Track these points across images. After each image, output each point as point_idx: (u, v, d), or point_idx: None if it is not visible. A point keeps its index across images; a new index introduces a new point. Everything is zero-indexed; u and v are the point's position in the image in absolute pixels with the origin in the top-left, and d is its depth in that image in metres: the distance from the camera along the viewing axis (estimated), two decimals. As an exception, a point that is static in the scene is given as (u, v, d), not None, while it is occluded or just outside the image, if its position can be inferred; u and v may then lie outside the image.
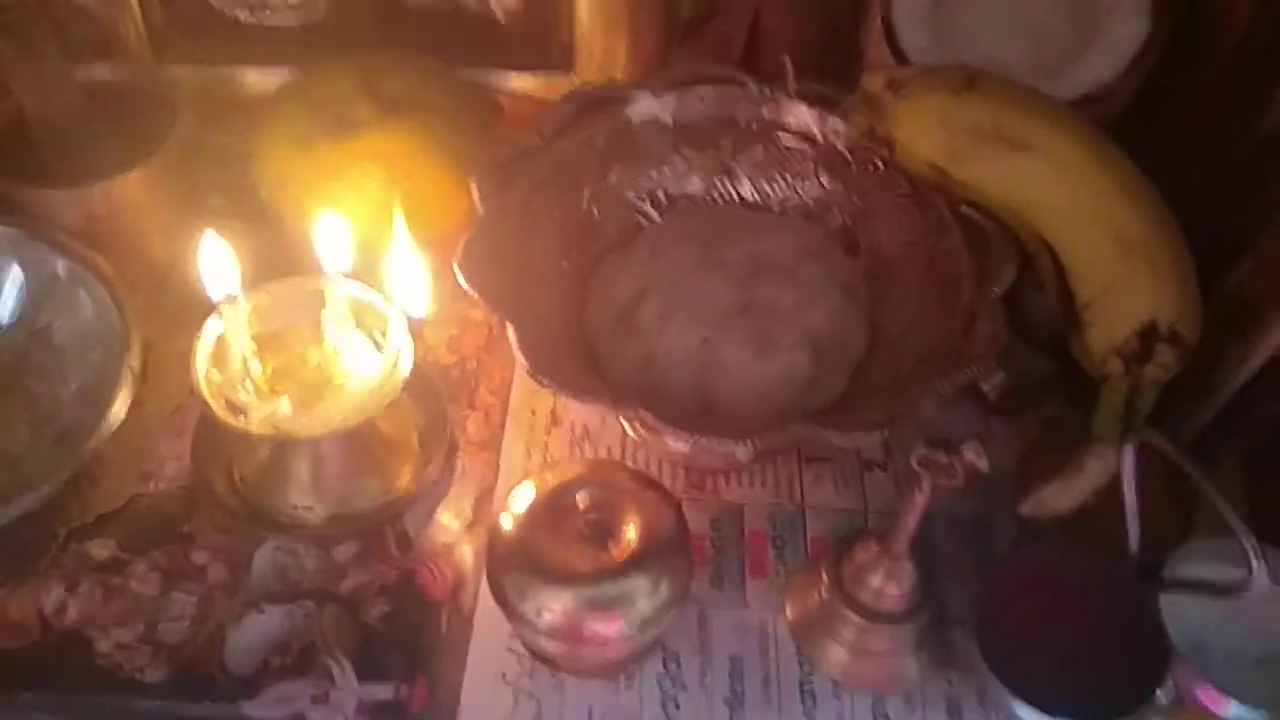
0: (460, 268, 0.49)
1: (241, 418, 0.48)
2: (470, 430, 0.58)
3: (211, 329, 0.50)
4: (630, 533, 0.45)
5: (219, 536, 0.52)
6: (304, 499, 0.53)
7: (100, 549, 0.51)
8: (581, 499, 0.46)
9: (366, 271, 0.53)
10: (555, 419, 0.59)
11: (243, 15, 0.68)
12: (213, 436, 0.54)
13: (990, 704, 0.48)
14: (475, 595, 0.51)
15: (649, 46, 0.70)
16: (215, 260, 0.49)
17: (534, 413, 0.59)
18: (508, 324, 0.47)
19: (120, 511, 0.53)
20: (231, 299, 0.49)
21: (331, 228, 0.51)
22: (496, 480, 0.56)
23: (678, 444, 0.48)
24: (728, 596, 0.52)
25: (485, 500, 0.56)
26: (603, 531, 0.45)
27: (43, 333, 0.57)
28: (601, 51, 0.70)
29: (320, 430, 0.48)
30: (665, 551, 0.45)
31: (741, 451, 0.52)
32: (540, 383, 0.46)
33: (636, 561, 0.44)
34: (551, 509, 0.46)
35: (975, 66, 0.51)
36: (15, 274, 0.58)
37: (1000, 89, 0.50)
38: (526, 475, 0.56)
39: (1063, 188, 0.49)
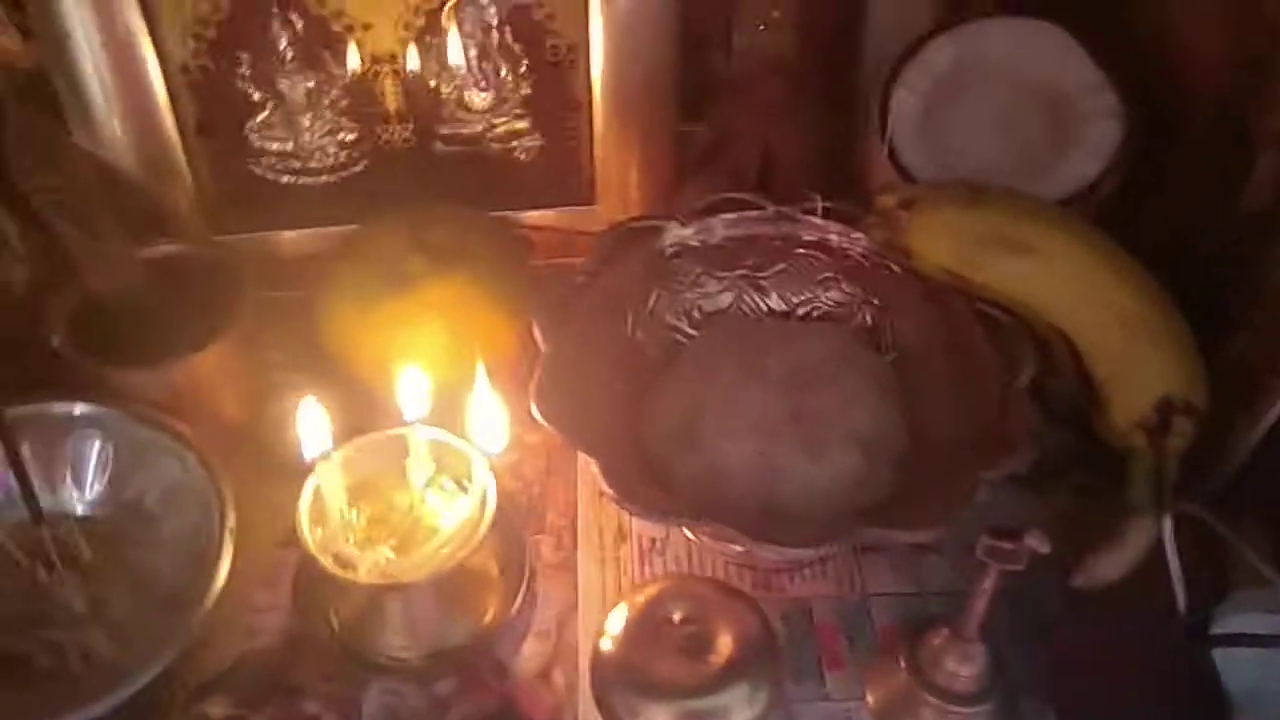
0: (536, 406, 0.53)
1: (351, 570, 0.51)
2: (544, 554, 0.62)
3: (310, 487, 0.54)
4: (725, 643, 0.49)
5: (326, 685, 0.55)
6: (401, 640, 0.56)
7: (216, 708, 0.54)
8: (675, 614, 0.50)
9: (435, 414, 0.57)
10: (622, 534, 0.63)
11: (286, 179, 0.73)
12: (311, 587, 0.57)
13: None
14: (576, 715, 0.54)
15: (663, 176, 0.76)
16: (312, 423, 0.53)
17: (602, 530, 0.63)
18: (591, 458, 0.51)
19: (231, 669, 0.55)
20: (326, 457, 0.53)
21: (410, 378, 0.56)
22: (577, 600, 0.60)
23: (762, 553, 0.52)
24: (809, 690, 0.56)
25: (569, 620, 0.59)
26: (699, 644, 0.49)
27: (133, 503, 0.60)
28: (619, 184, 0.75)
29: (424, 574, 0.52)
30: (759, 657, 0.49)
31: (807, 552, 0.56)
32: (628, 510, 0.50)
33: (735, 670, 0.48)
34: (647, 626, 0.50)
35: (976, 181, 0.57)
36: (102, 450, 0.61)
37: (1002, 200, 0.56)
38: (604, 591, 0.60)
39: (1067, 283, 0.55)
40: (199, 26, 0.66)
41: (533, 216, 0.76)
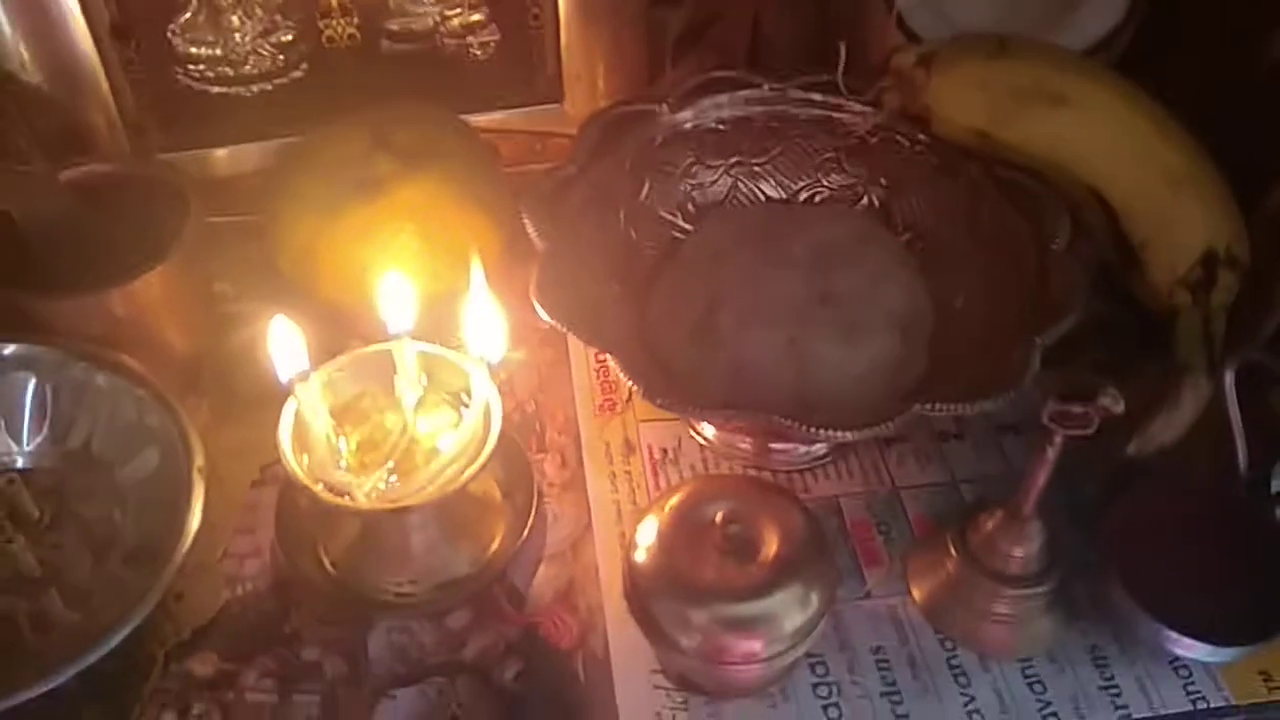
0: (540, 304, 0.48)
1: (347, 498, 0.46)
2: (549, 473, 0.57)
3: (289, 412, 0.47)
4: (771, 541, 0.45)
5: (325, 629, 0.50)
6: (403, 573, 0.51)
7: (203, 665, 0.48)
8: (715, 514, 0.45)
9: (420, 328, 0.51)
10: (630, 447, 0.58)
11: (217, 89, 0.66)
12: (297, 524, 0.51)
13: (1131, 645, 0.49)
14: (604, 636, 0.50)
15: (635, 67, 0.70)
16: (284, 342, 0.46)
17: (608, 444, 0.58)
18: (608, 354, 0.46)
19: (214, 622, 0.49)
20: (304, 377, 0.47)
21: (391, 287, 0.50)
22: (590, 519, 0.55)
23: (783, 453, 0.48)
24: (850, 589, 0.52)
25: (584, 540, 0.54)
26: (745, 544, 0.44)
27: (81, 450, 0.53)
28: (587, 78, 0.69)
29: (430, 496, 0.46)
30: (809, 556, 0.45)
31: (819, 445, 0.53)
32: (658, 404, 0.45)
33: (787, 569, 0.44)
34: (686, 531, 0.45)
35: (1000, 32, 0.52)
36: (38, 393, 0.54)
37: (1030, 49, 0.52)
38: (619, 508, 0.55)
39: (1107, 135, 0.51)
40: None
41: (494, 119, 0.69)
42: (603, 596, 0.51)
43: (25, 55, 0.59)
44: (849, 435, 0.44)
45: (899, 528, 0.55)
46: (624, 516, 0.55)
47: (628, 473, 0.57)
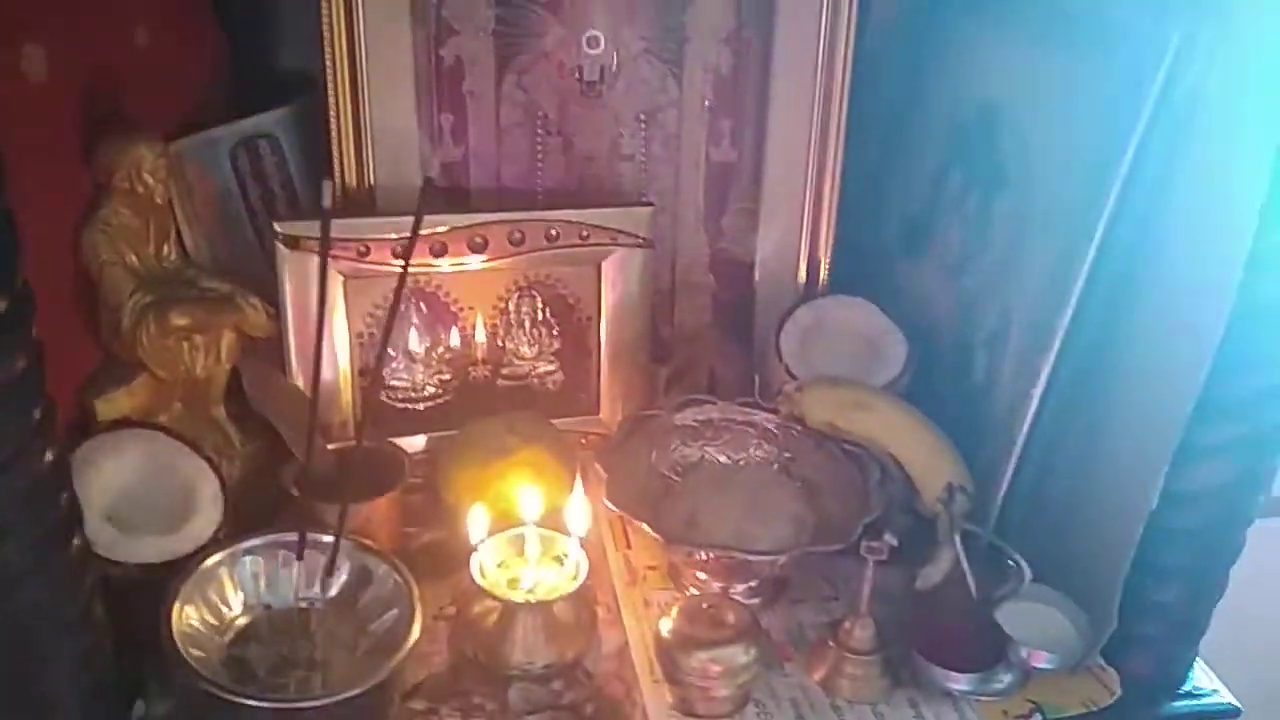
0: (609, 500, 0.93)
1: (509, 598, 0.87)
2: (600, 614, 0.98)
3: (476, 558, 0.90)
4: (731, 620, 0.87)
5: (483, 688, 0.88)
6: (525, 657, 0.90)
7: (418, 704, 0.86)
8: (704, 604, 0.87)
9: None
10: (647, 603, 1.00)
11: (400, 406, 1.13)
12: (466, 626, 0.91)
13: (929, 693, 0.89)
14: (641, 695, 0.89)
15: (640, 395, 1.20)
16: (478, 521, 0.90)
17: (634, 601, 1.00)
18: (643, 522, 0.91)
19: (421, 682, 0.88)
20: (484, 541, 0.90)
21: (526, 497, 0.94)
22: (627, 640, 0.95)
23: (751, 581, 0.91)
24: (775, 672, 0.92)
25: (624, 652, 0.94)
26: (716, 620, 0.86)
27: (348, 593, 0.93)
28: (611, 401, 1.19)
29: (545, 599, 0.88)
30: (749, 630, 0.87)
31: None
32: (669, 547, 0.88)
33: (740, 633, 0.86)
34: (687, 616, 0.87)
35: (835, 376, 1.03)
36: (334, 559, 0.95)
37: (850, 384, 1.03)
38: (642, 634, 0.95)
39: (893, 427, 1.00)
40: (372, 309, 1.09)
41: (562, 422, 1.17)
42: (638, 677, 0.91)
43: (307, 384, 1.07)
44: (759, 558, 0.88)
45: (802, 637, 0.96)
46: (646, 638, 0.95)
47: (646, 616, 0.98)
